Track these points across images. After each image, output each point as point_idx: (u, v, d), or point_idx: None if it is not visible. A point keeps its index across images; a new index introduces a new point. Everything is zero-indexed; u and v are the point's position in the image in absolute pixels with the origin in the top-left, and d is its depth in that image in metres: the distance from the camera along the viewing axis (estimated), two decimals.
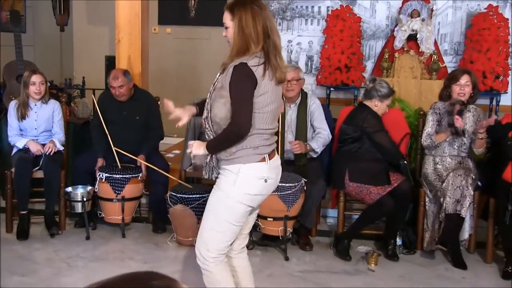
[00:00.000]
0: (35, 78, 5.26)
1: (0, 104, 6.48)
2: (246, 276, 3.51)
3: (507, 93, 6.06)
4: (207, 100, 3.18)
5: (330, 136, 5.22)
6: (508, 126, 4.82)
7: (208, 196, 5.00)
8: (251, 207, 3.23)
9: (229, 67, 3.06)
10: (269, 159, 3.21)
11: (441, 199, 4.78)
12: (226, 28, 3.12)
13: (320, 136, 5.14)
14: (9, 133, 5.34)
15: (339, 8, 6.44)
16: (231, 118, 3.07)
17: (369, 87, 5.09)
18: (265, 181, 3.19)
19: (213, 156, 3.20)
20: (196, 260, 3.26)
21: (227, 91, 3.05)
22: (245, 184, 3.14)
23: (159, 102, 5.77)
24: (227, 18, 3.11)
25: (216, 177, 3.29)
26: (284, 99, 5.10)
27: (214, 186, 3.27)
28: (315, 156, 5.22)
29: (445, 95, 5.05)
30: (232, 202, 3.16)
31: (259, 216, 4.88)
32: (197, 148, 3.18)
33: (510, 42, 6.12)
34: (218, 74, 3.16)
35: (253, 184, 3.17)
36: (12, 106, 5.34)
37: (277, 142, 4.94)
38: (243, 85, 3.05)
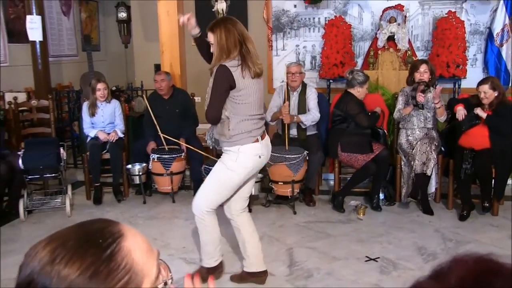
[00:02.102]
0: (100, 86, 5.44)
1: (79, 105, 6.73)
2: (248, 231, 3.49)
3: (466, 78, 6.02)
4: (206, 98, 3.21)
5: (319, 115, 5.16)
6: (458, 100, 4.88)
7: None
8: (245, 178, 3.30)
9: (214, 69, 3.13)
10: (261, 139, 3.26)
11: (412, 162, 4.83)
12: (212, 44, 3.17)
13: (310, 114, 5.14)
14: (83, 126, 5.54)
15: (334, 18, 6.47)
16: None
17: (349, 78, 5.11)
18: (259, 157, 3.24)
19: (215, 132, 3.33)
20: (192, 210, 3.39)
21: None
22: (244, 160, 3.20)
23: (194, 97, 5.91)
24: (210, 37, 3.15)
25: (214, 146, 3.49)
26: (289, 87, 5.19)
27: (218, 160, 3.34)
28: (304, 127, 5.17)
29: (409, 81, 5.07)
30: (231, 174, 3.23)
31: (272, 181, 5.02)
32: None
33: (466, 38, 6.10)
34: (211, 77, 3.19)
35: (250, 160, 3.22)
36: (85, 106, 5.53)
37: (283, 123, 5.07)
38: (218, 84, 3.10)
